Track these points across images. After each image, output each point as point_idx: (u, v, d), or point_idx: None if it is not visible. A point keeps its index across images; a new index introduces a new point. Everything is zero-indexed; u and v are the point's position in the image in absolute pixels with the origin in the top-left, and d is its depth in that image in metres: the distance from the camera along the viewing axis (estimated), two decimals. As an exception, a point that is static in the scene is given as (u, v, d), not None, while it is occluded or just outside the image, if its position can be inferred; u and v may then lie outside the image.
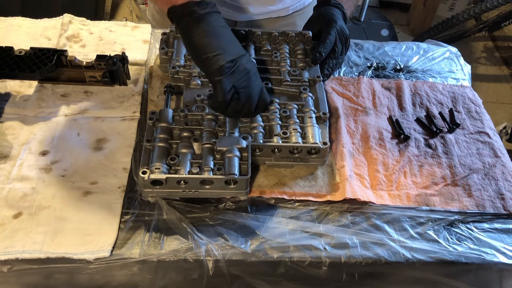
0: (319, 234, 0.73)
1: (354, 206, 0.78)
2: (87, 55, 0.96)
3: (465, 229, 0.77)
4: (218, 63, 0.70)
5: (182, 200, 0.75)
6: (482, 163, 0.87)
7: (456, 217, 0.78)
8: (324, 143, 0.78)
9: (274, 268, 0.71)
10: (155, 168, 0.71)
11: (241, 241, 0.71)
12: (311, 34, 0.95)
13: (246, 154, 0.75)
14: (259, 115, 0.81)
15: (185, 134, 0.77)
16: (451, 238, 0.75)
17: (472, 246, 0.74)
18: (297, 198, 0.78)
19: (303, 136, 0.79)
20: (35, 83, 0.91)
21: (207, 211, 0.74)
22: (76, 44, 1.00)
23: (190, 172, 0.72)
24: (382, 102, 0.97)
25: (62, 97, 0.89)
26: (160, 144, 0.74)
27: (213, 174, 0.72)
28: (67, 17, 1.05)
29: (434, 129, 0.92)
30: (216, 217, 0.74)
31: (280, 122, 0.81)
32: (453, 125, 0.93)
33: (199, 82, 0.87)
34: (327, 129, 0.82)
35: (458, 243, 0.75)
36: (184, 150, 0.74)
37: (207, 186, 0.73)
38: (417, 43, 1.14)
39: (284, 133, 0.79)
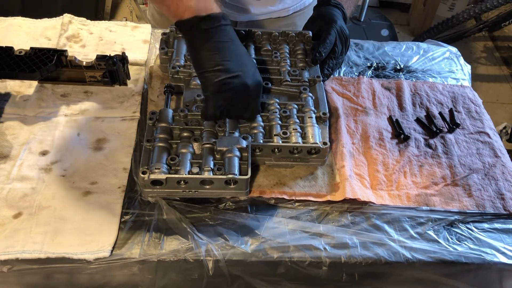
0: (319, 234, 0.73)
1: (354, 206, 0.78)
2: (87, 55, 0.96)
3: (465, 229, 0.77)
4: (214, 79, 0.71)
5: (182, 200, 0.75)
6: (482, 163, 0.87)
7: (456, 217, 0.78)
8: (324, 143, 0.78)
9: (274, 268, 0.71)
10: (155, 168, 0.71)
11: (241, 241, 0.71)
12: (311, 34, 0.95)
13: (246, 154, 0.75)
14: (259, 115, 0.81)
15: (185, 134, 0.77)
16: (451, 238, 0.75)
17: (472, 246, 0.74)
18: (297, 198, 0.78)
19: (303, 136, 0.79)
20: (35, 83, 0.91)
21: (207, 211, 0.75)
22: (76, 44, 1.00)
23: (190, 172, 0.72)
24: (382, 102, 0.97)
25: (62, 97, 0.89)
26: (160, 144, 0.74)
27: (213, 174, 0.72)
28: (67, 17, 1.05)
29: (434, 129, 0.92)
30: (216, 217, 0.74)
31: (280, 122, 0.81)
32: (453, 125, 0.93)
33: (199, 82, 0.87)
34: (327, 129, 0.82)
35: (458, 243, 0.75)
36: (184, 150, 0.74)
37: (207, 186, 0.73)
38: (417, 43, 1.14)
39: (284, 133, 0.79)
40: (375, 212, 0.77)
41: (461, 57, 1.12)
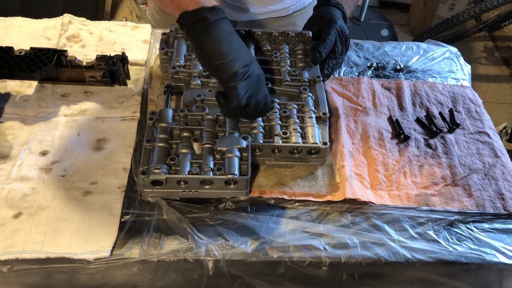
0: (319, 234, 0.73)
1: (354, 206, 0.78)
2: (87, 55, 0.96)
3: (465, 229, 0.77)
4: (232, 69, 0.70)
5: (182, 200, 0.75)
6: (482, 163, 0.87)
7: (456, 217, 0.78)
8: (324, 143, 0.78)
9: (274, 268, 0.71)
10: (155, 168, 0.71)
11: (241, 241, 0.71)
12: (311, 34, 0.95)
13: (246, 154, 0.75)
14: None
15: (185, 134, 0.77)
16: (451, 238, 0.75)
17: (472, 246, 0.74)
18: (297, 198, 0.78)
19: (303, 136, 0.79)
20: (35, 83, 0.91)
21: (207, 211, 0.75)
22: (76, 44, 1.00)
23: (190, 172, 0.71)
24: (382, 102, 0.97)
25: (62, 97, 0.89)
26: (160, 144, 0.74)
27: (213, 174, 0.72)
28: (67, 17, 1.05)
29: (434, 129, 0.92)
30: (216, 217, 0.74)
31: (280, 122, 0.81)
32: (453, 125, 0.93)
33: (199, 82, 0.87)
34: (327, 129, 0.82)
35: (458, 243, 0.75)
36: (184, 150, 0.74)
37: (207, 186, 0.73)
38: (417, 43, 1.14)
39: (284, 133, 0.79)
40: (375, 212, 0.77)
41: (461, 57, 1.12)
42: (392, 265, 0.71)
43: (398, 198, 0.80)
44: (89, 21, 1.06)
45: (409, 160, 0.86)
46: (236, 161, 0.73)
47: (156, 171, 0.71)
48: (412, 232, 0.75)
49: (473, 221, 0.78)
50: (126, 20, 1.21)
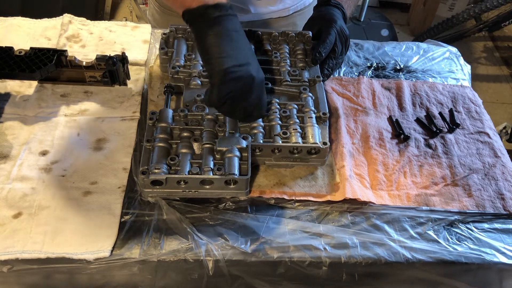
0: (319, 234, 0.73)
1: (354, 206, 0.78)
2: (87, 55, 0.96)
3: (465, 229, 0.77)
4: (220, 66, 0.69)
5: (182, 200, 0.75)
6: (482, 163, 0.87)
7: (456, 217, 0.78)
8: (324, 143, 0.78)
9: (274, 268, 0.71)
10: (155, 168, 0.71)
11: (241, 241, 0.71)
12: (311, 34, 0.95)
13: (246, 154, 0.75)
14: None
15: (185, 134, 0.77)
16: (451, 238, 0.75)
17: (472, 246, 0.74)
18: (297, 198, 0.78)
19: (303, 136, 0.79)
20: (35, 83, 0.91)
21: (207, 211, 0.74)
22: (76, 44, 1.00)
23: (190, 172, 0.71)
24: (382, 102, 0.97)
25: (62, 97, 0.89)
26: (160, 144, 0.74)
27: (213, 174, 0.72)
28: (67, 17, 1.05)
29: (434, 129, 0.92)
30: (216, 217, 0.74)
31: (280, 122, 0.81)
32: (453, 125, 0.93)
33: (199, 82, 0.87)
34: (327, 129, 0.82)
35: (458, 243, 0.75)
36: (184, 150, 0.74)
37: (207, 186, 0.73)
38: (417, 43, 1.14)
39: (284, 133, 0.79)
40: (375, 212, 0.77)
41: (461, 57, 1.12)
42: (392, 265, 0.71)
43: (398, 198, 0.80)
44: (89, 21, 1.06)
45: (409, 160, 0.86)
46: (236, 161, 0.73)
47: (156, 171, 0.71)
48: (412, 232, 0.75)
49: (473, 221, 0.78)
50: (126, 20, 1.21)
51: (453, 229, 0.77)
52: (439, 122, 0.94)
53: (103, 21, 1.07)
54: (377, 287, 0.77)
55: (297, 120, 0.81)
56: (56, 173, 0.77)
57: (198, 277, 0.71)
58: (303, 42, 0.96)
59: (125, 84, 0.92)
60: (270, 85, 0.87)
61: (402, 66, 1.07)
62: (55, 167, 0.78)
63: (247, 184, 0.74)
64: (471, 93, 1.02)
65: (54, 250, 0.67)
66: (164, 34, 0.94)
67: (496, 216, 0.79)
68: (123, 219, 0.72)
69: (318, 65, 0.92)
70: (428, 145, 0.90)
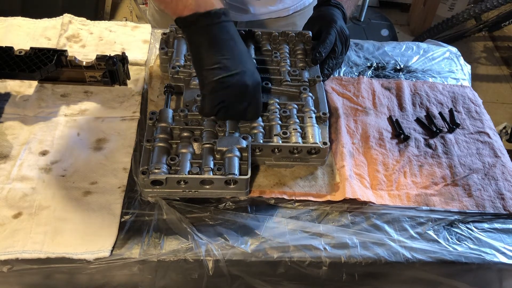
0: (319, 234, 0.73)
1: (354, 206, 0.78)
2: (87, 55, 0.96)
3: (465, 229, 0.77)
4: (211, 77, 0.70)
5: (182, 200, 0.75)
6: (482, 163, 0.87)
7: (456, 217, 0.78)
8: (324, 143, 0.78)
9: (274, 268, 0.71)
10: (155, 168, 0.71)
11: (241, 241, 0.71)
12: (311, 34, 0.95)
13: (246, 154, 0.75)
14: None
15: (185, 134, 0.77)
16: (451, 238, 0.75)
17: (472, 246, 0.74)
18: (297, 198, 0.78)
19: (303, 136, 0.79)
20: (35, 83, 0.91)
21: (207, 211, 0.74)
22: (76, 44, 1.00)
23: (190, 172, 0.71)
24: (382, 102, 0.97)
25: (62, 97, 0.89)
26: (160, 144, 0.74)
27: (213, 174, 0.72)
28: (67, 17, 1.05)
29: (434, 129, 0.92)
30: (216, 217, 0.74)
31: (280, 122, 0.81)
32: (453, 125, 0.93)
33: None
34: (327, 129, 0.82)
35: (458, 243, 0.75)
36: (184, 150, 0.74)
37: (207, 186, 0.73)
38: (417, 43, 1.14)
39: (284, 133, 0.79)
40: (375, 212, 0.77)
41: (461, 57, 1.12)
42: (392, 265, 0.71)
43: (398, 198, 0.80)
44: (89, 21, 1.06)
45: (409, 160, 0.86)
46: (236, 161, 0.73)
47: (156, 171, 0.71)
48: (412, 232, 0.75)
49: (473, 221, 0.78)
50: (126, 20, 1.21)
51: (453, 229, 0.77)
52: (439, 122, 0.94)
53: (103, 21, 1.07)
54: (377, 287, 0.77)
55: (297, 120, 0.81)
56: (56, 173, 0.77)
57: (198, 277, 0.71)
58: (303, 42, 0.96)
59: (125, 84, 0.92)
60: (270, 85, 0.87)
61: (402, 66, 1.07)
62: (55, 167, 0.78)
63: (247, 184, 0.74)
64: (471, 93, 1.02)
65: (54, 250, 0.67)
66: (164, 34, 0.94)
67: (496, 216, 0.79)
68: (123, 219, 0.72)
69: (318, 65, 0.92)
70: (428, 145, 0.90)
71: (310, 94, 0.86)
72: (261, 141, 0.77)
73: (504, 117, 2.31)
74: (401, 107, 0.97)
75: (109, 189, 0.75)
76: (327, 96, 0.91)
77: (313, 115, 0.82)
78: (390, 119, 0.94)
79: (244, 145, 0.74)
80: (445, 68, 1.09)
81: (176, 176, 0.71)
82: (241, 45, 0.74)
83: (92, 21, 1.06)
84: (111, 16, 2.47)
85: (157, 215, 0.73)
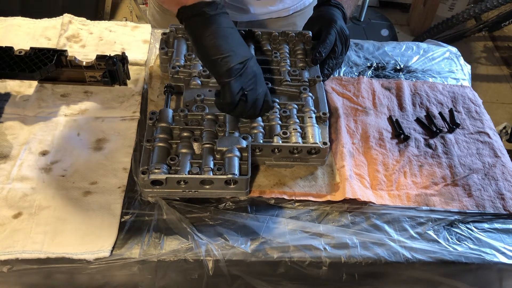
0: (319, 234, 0.73)
1: (354, 206, 0.78)
2: (87, 55, 0.96)
3: (465, 229, 0.77)
4: (228, 65, 0.70)
5: (182, 200, 0.75)
6: (482, 163, 0.87)
7: (456, 217, 0.78)
8: (324, 143, 0.78)
9: (274, 268, 0.71)
10: (155, 168, 0.71)
11: (241, 241, 0.71)
12: (311, 34, 0.95)
13: (246, 154, 0.75)
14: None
15: (185, 134, 0.77)
16: (451, 238, 0.75)
17: (472, 246, 0.74)
18: (297, 198, 0.78)
19: (303, 136, 0.79)
20: (35, 83, 0.91)
21: (207, 211, 0.75)
22: (76, 44, 1.00)
23: (190, 172, 0.71)
24: (382, 102, 0.97)
25: (62, 97, 0.89)
26: (160, 144, 0.74)
27: (213, 174, 0.72)
28: (67, 17, 1.05)
29: (434, 129, 0.92)
30: (216, 217, 0.74)
31: (280, 122, 0.81)
32: (453, 125, 0.93)
33: (199, 82, 0.87)
34: (327, 129, 0.82)
35: (458, 243, 0.75)
36: (184, 150, 0.74)
37: (207, 186, 0.73)
38: (417, 43, 1.14)
39: (284, 133, 0.79)
40: (375, 212, 0.77)
41: (461, 57, 1.12)
42: (392, 265, 0.71)
43: (398, 198, 0.80)
44: (89, 21, 1.06)
45: (409, 160, 0.86)
46: (236, 161, 0.73)
47: (156, 171, 0.71)
48: (412, 232, 0.75)
49: (473, 221, 0.78)
50: (126, 20, 1.21)
51: (453, 229, 0.77)
52: (439, 122, 0.94)
53: (103, 21, 1.07)
54: (377, 287, 0.77)
55: (297, 120, 0.81)
56: (56, 173, 0.77)
57: (198, 277, 0.71)
58: (303, 42, 0.96)
59: (125, 84, 0.92)
60: (270, 85, 0.87)
61: (402, 66, 1.07)
62: (55, 167, 0.78)
63: (247, 184, 0.74)
64: (471, 93, 1.02)
65: (54, 250, 0.67)
66: (164, 34, 0.94)
67: (496, 216, 0.79)
68: (123, 219, 0.72)
69: (318, 65, 0.92)
70: (428, 145, 0.90)
71: (310, 94, 0.86)
72: (261, 141, 0.77)
73: (504, 117, 2.31)
74: (401, 107, 0.97)
75: (109, 189, 0.76)
76: (327, 96, 0.91)
77: (313, 115, 0.82)
78: (390, 119, 0.94)
79: (244, 145, 0.74)
80: (445, 68, 1.09)
81: (176, 176, 0.71)
82: (240, 35, 0.76)
83: (92, 21, 1.06)
84: (111, 16, 2.47)
85: (157, 215, 0.73)
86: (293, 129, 0.79)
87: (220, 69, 0.71)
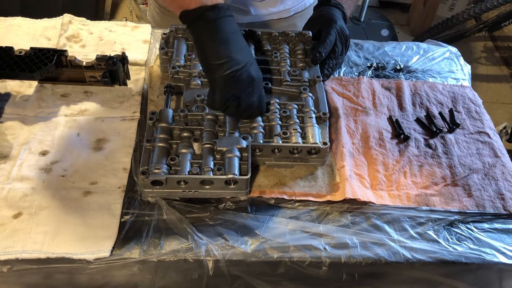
0: (319, 234, 0.73)
1: (354, 206, 0.78)
2: (87, 55, 0.96)
3: (465, 229, 0.77)
4: (221, 72, 0.70)
5: (182, 200, 0.75)
6: (482, 163, 0.87)
7: (456, 217, 0.78)
8: (324, 143, 0.78)
9: (274, 268, 0.71)
10: (155, 168, 0.71)
11: (241, 241, 0.71)
12: (311, 34, 0.95)
13: (246, 154, 0.75)
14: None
15: (185, 134, 0.77)
16: (451, 238, 0.75)
17: (472, 246, 0.74)
18: (297, 198, 0.78)
19: (303, 136, 0.79)
20: (35, 83, 0.91)
21: (207, 211, 0.75)
22: (76, 44, 1.00)
23: (190, 172, 0.71)
24: (382, 102, 0.97)
25: (62, 97, 0.89)
26: (160, 144, 0.74)
27: (213, 174, 0.72)
28: (67, 17, 1.05)
29: (434, 129, 0.92)
30: (216, 217, 0.74)
31: (280, 122, 0.81)
32: (453, 125, 0.93)
33: (199, 82, 0.87)
34: (327, 129, 0.82)
35: (458, 243, 0.75)
36: (184, 150, 0.74)
37: (207, 186, 0.73)
38: (417, 43, 1.14)
39: (284, 133, 0.79)
40: (375, 212, 0.77)
41: (461, 57, 1.12)
42: (392, 265, 0.71)
43: (398, 198, 0.80)
44: (89, 21, 1.06)
45: (409, 160, 0.86)
46: (236, 161, 0.73)
47: (156, 171, 0.71)
48: (412, 232, 0.75)
49: (473, 221, 0.78)
50: (126, 20, 1.21)
51: (453, 229, 0.77)
52: (439, 122, 0.94)
53: (103, 21, 1.07)
54: (377, 287, 0.77)
55: (297, 120, 0.81)
56: (56, 173, 0.77)
57: (198, 277, 0.71)
58: (303, 42, 0.96)
59: (125, 84, 0.92)
60: (270, 85, 0.87)
61: (402, 66, 1.07)
62: (55, 167, 0.78)
63: (247, 184, 0.74)
64: (471, 93, 1.02)
65: (54, 250, 0.67)
66: (164, 34, 0.94)
67: (496, 216, 0.79)
68: (123, 219, 0.72)
69: (318, 65, 0.92)
70: (428, 145, 0.90)
71: (310, 94, 0.86)
72: (261, 141, 0.77)
73: (504, 117, 2.31)
74: (401, 107, 0.97)
75: (109, 189, 0.75)
76: (327, 96, 0.91)
77: (313, 115, 0.82)
78: (390, 119, 0.94)
79: (244, 145, 0.74)
80: (445, 68, 1.09)
81: (176, 176, 0.71)
82: (243, 40, 0.76)
83: (92, 21, 1.06)
84: (111, 16, 2.47)
85: (157, 215, 0.73)
86: (293, 129, 0.79)
87: (214, 75, 0.72)
